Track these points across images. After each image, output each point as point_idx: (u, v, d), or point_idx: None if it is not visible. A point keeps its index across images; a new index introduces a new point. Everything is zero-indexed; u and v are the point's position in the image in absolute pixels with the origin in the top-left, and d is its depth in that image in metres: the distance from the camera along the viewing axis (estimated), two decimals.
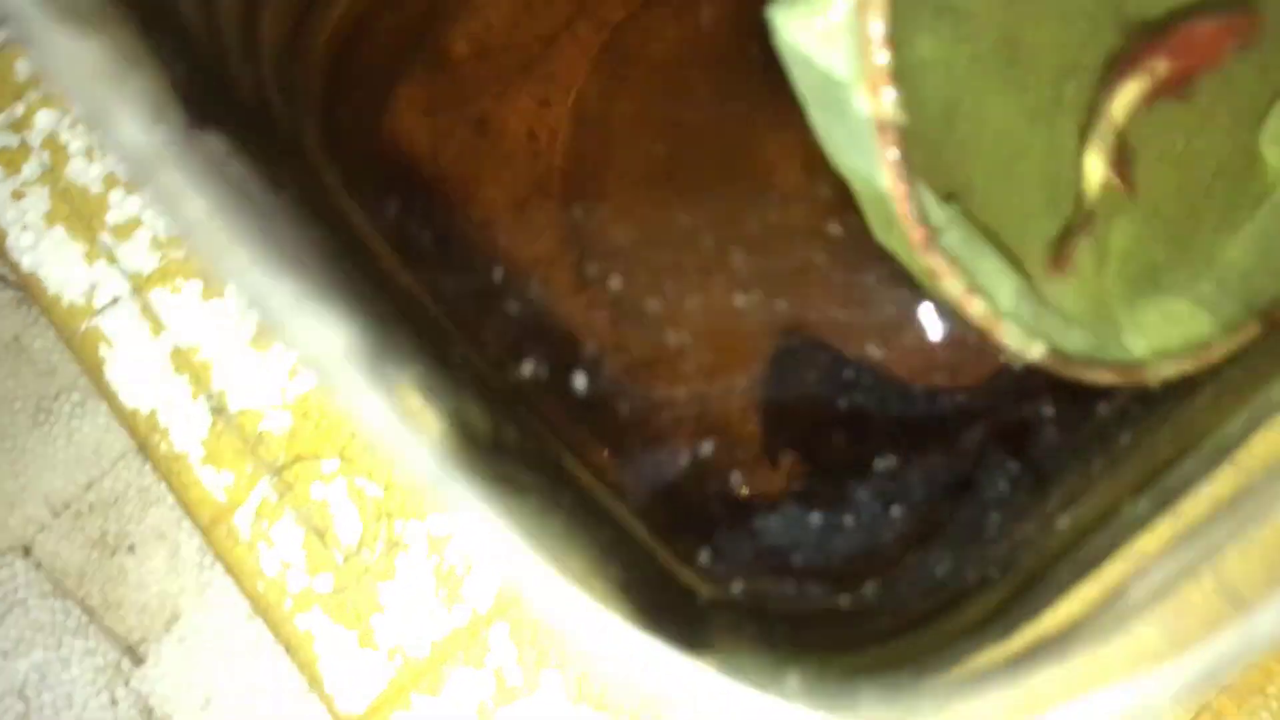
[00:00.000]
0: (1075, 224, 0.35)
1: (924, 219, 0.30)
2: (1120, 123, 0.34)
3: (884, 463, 0.48)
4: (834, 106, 0.29)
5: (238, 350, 0.53)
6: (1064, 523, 0.31)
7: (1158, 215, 0.35)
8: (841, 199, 0.57)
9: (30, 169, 0.55)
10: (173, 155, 0.20)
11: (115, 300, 0.54)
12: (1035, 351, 0.31)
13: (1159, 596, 0.21)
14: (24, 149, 0.55)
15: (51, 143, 0.55)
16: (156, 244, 0.55)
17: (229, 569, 0.53)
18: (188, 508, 0.54)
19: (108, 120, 0.20)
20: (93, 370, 0.55)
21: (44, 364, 0.84)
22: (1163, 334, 0.33)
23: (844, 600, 0.33)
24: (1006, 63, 0.34)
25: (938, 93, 0.33)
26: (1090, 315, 0.33)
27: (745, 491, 0.50)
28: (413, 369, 0.24)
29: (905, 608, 0.34)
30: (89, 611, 0.82)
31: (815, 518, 0.45)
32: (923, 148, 0.32)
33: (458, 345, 0.37)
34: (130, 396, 0.53)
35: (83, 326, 0.55)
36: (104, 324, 0.55)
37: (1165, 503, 0.24)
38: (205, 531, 0.53)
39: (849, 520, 0.44)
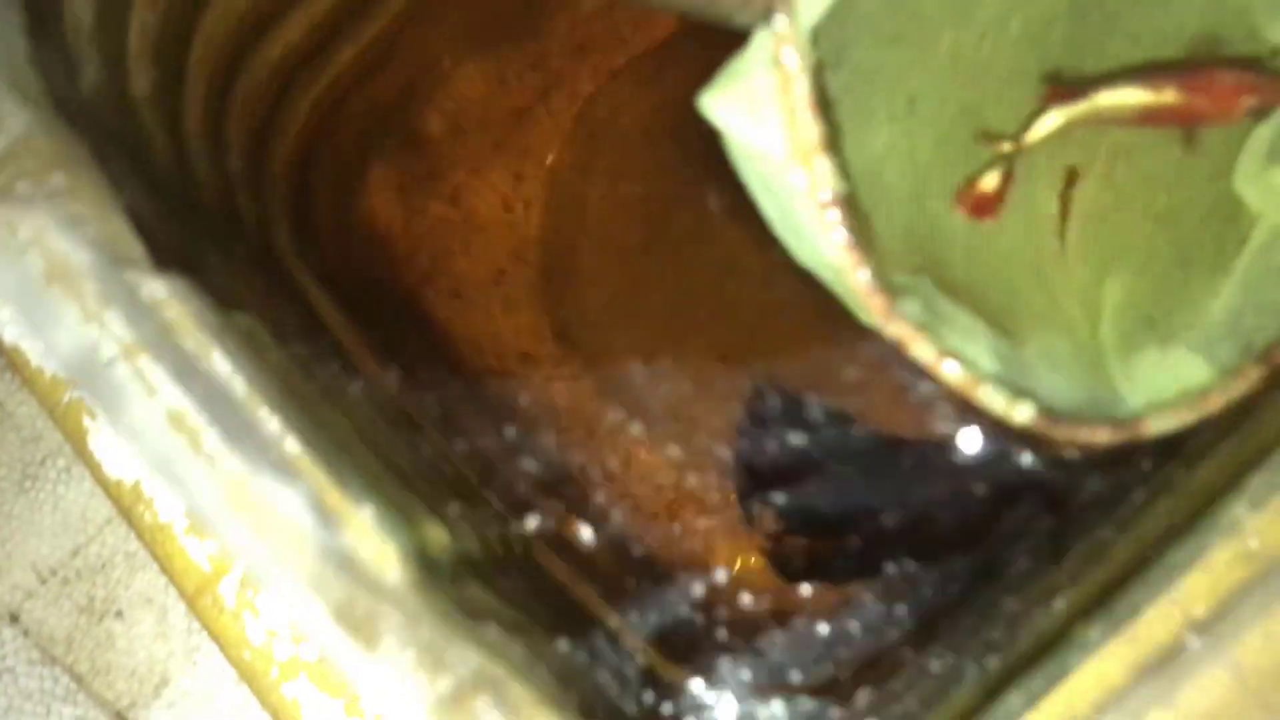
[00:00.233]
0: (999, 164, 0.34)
1: (881, 287, 0.29)
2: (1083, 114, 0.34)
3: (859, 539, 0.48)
4: (775, 187, 0.29)
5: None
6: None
7: (1148, 270, 0.35)
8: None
9: None
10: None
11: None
12: (1023, 413, 0.29)
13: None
14: None
15: None
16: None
17: (214, 637, 0.52)
18: (172, 577, 0.53)
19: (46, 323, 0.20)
20: (76, 441, 0.55)
21: (29, 430, 0.84)
22: (1159, 385, 0.32)
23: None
24: (973, 137, 0.34)
25: (902, 179, 0.33)
26: (1084, 373, 0.32)
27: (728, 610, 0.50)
28: (370, 505, 0.24)
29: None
30: (77, 678, 0.82)
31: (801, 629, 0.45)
32: (893, 229, 0.32)
33: (430, 458, 0.37)
34: (114, 467, 0.53)
35: (65, 398, 0.55)
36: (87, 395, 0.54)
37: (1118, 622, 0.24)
38: (190, 601, 0.53)
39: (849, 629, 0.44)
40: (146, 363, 0.22)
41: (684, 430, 0.56)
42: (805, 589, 0.54)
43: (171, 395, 0.21)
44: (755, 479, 0.56)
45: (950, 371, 0.29)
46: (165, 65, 0.34)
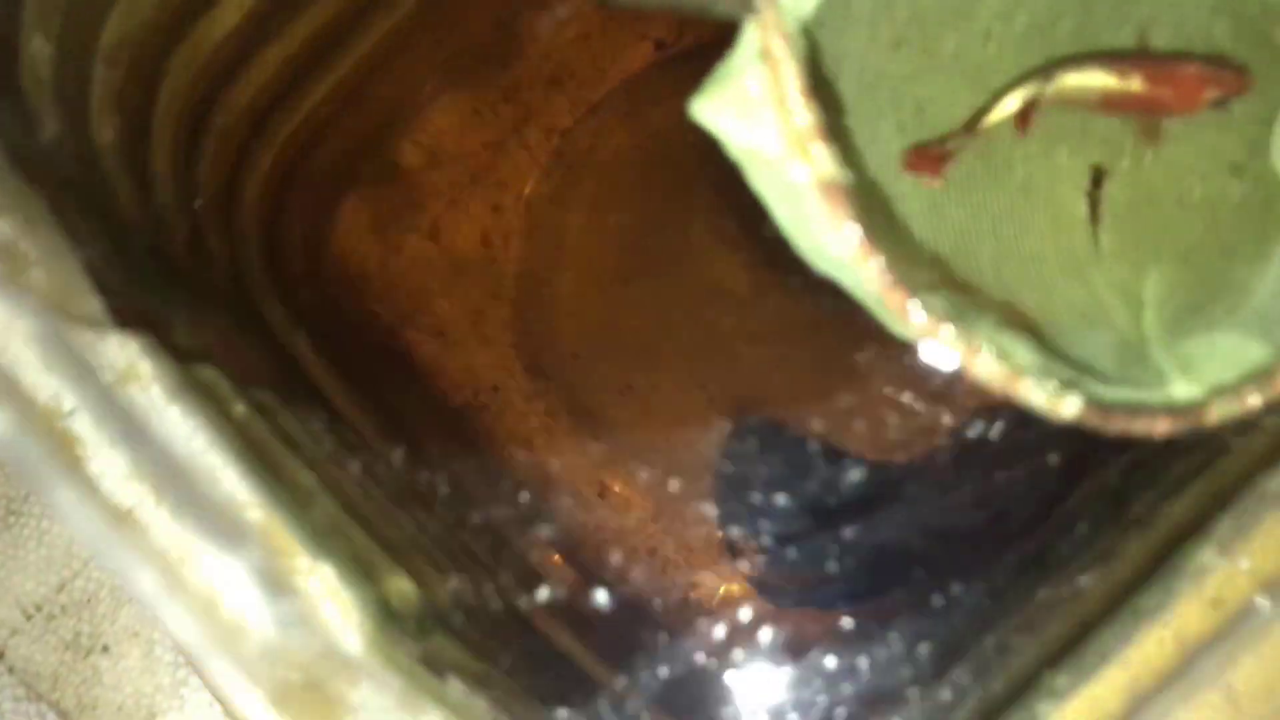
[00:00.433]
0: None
1: (898, 281, 0.26)
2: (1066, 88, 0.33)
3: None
4: (781, 190, 0.27)
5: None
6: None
7: (1189, 261, 0.34)
8: (794, 294, 0.58)
9: None
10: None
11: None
12: (1070, 407, 0.26)
13: None
14: None
15: None
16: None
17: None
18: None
19: None
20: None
21: (11, 465, 0.83)
22: (1216, 371, 0.30)
23: None
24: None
25: (917, 189, 0.33)
26: (1131, 365, 0.31)
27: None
28: (329, 563, 0.24)
29: None
30: (64, 715, 0.81)
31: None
32: (914, 241, 0.31)
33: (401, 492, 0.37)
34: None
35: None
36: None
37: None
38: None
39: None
40: (88, 431, 0.21)
41: (664, 462, 0.56)
42: (796, 613, 0.54)
43: (114, 466, 0.21)
44: (739, 509, 0.56)
45: (985, 365, 0.26)
46: (130, 114, 0.34)
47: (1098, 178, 0.36)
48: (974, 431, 0.55)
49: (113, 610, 0.83)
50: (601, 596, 0.45)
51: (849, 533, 0.54)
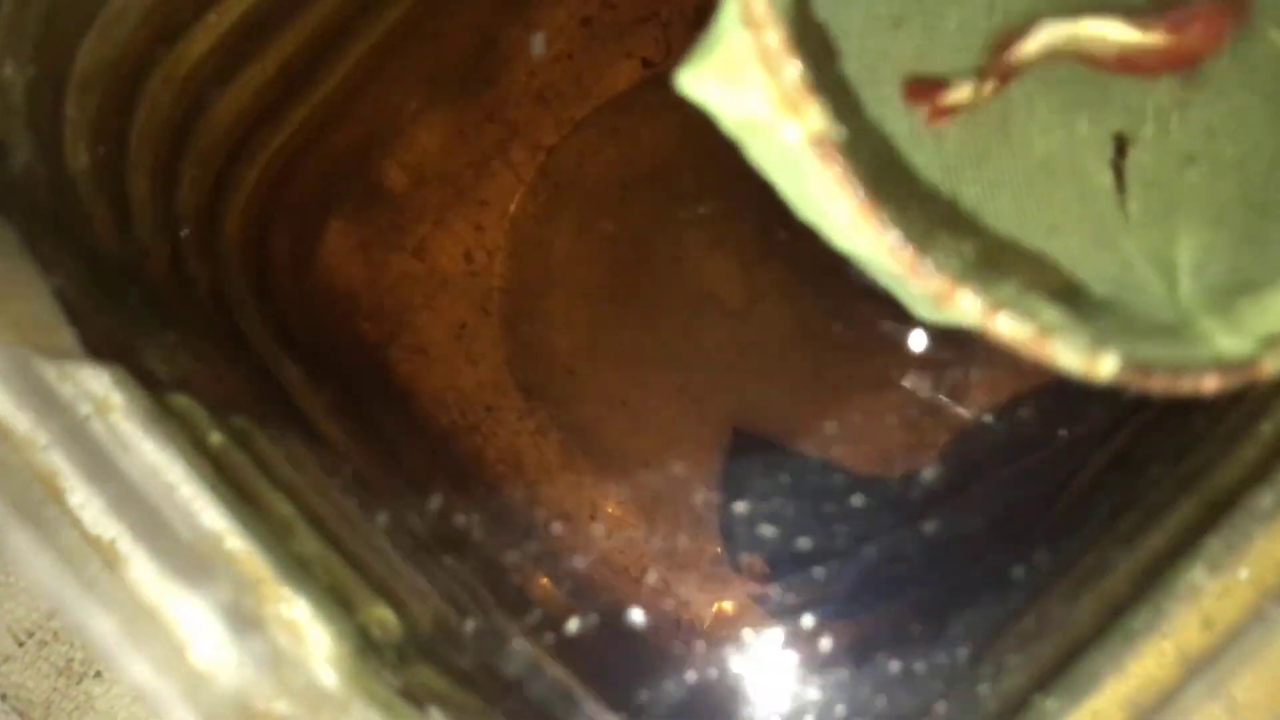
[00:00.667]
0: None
1: (907, 240, 0.25)
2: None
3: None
4: (777, 159, 0.26)
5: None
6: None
7: (1223, 223, 0.33)
8: (787, 306, 0.57)
9: None
10: None
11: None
12: (1108, 365, 0.24)
13: None
14: None
15: None
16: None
17: None
18: None
19: None
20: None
21: None
22: (1266, 324, 0.28)
23: None
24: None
25: (930, 168, 0.32)
26: (1169, 330, 0.29)
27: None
28: (304, 596, 0.23)
29: None
30: None
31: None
32: (930, 219, 0.30)
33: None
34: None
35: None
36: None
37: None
38: None
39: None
40: (52, 469, 0.21)
41: (657, 479, 0.55)
42: (792, 631, 0.53)
43: (86, 502, 0.21)
44: (735, 525, 0.55)
45: (1006, 326, 0.24)
46: (106, 139, 0.34)
47: (1121, 146, 0.35)
48: (974, 445, 0.55)
49: None
50: (593, 620, 0.44)
51: (846, 548, 0.54)
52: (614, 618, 0.49)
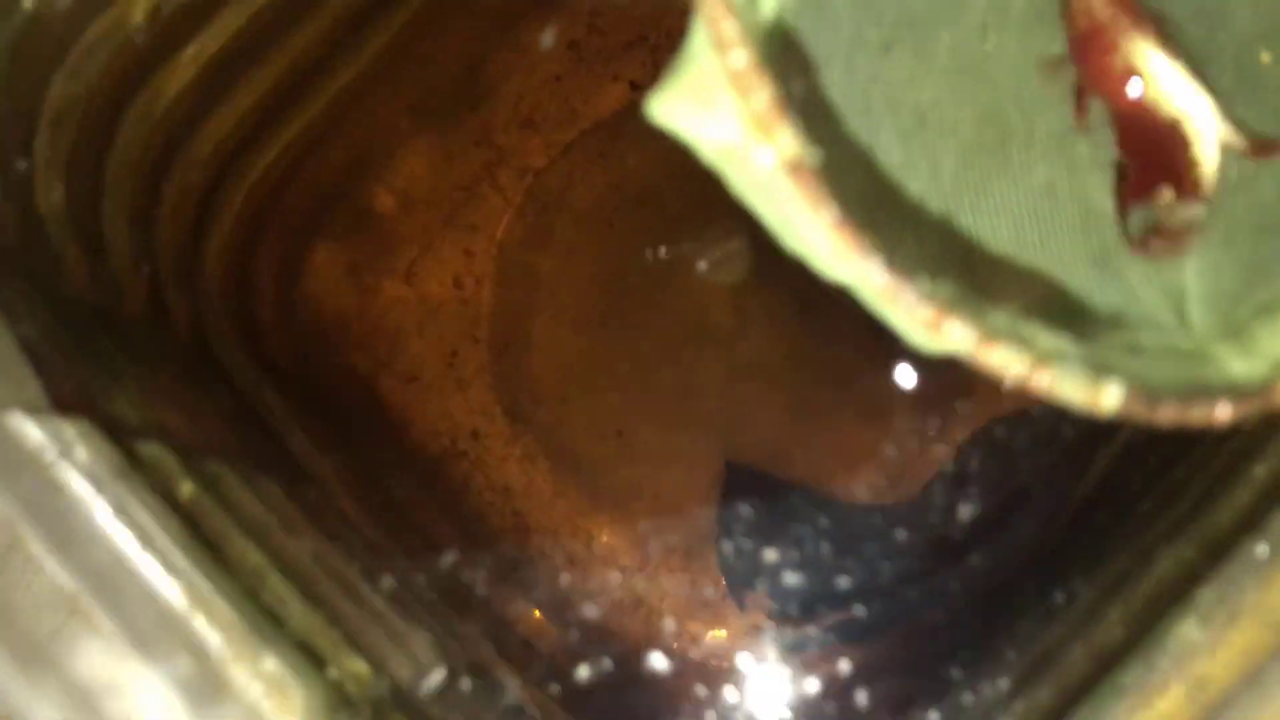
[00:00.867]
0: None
1: (891, 267, 0.24)
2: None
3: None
4: (754, 185, 0.25)
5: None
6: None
7: (1231, 245, 0.33)
8: (777, 330, 0.57)
9: None
10: None
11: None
12: (1111, 396, 0.23)
13: None
14: None
15: None
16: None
17: None
18: None
19: None
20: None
21: None
22: (1278, 346, 0.27)
23: None
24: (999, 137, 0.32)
25: (929, 197, 0.31)
26: (1176, 358, 0.28)
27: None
28: (273, 655, 0.23)
29: None
30: None
31: None
32: (925, 252, 0.29)
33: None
34: None
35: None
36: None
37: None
38: None
39: None
40: (11, 526, 0.20)
41: (651, 508, 0.55)
42: (790, 659, 0.53)
43: (33, 564, 0.20)
44: (730, 554, 0.55)
45: (1000, 357, 0.23)
46: (79, 178, 0.33)
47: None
48: (968, 468, 0.54)
49: None
50: (588, 653, 0.44)
51: (842, 576, 0.53)
52: (606, 648, 0.48)
